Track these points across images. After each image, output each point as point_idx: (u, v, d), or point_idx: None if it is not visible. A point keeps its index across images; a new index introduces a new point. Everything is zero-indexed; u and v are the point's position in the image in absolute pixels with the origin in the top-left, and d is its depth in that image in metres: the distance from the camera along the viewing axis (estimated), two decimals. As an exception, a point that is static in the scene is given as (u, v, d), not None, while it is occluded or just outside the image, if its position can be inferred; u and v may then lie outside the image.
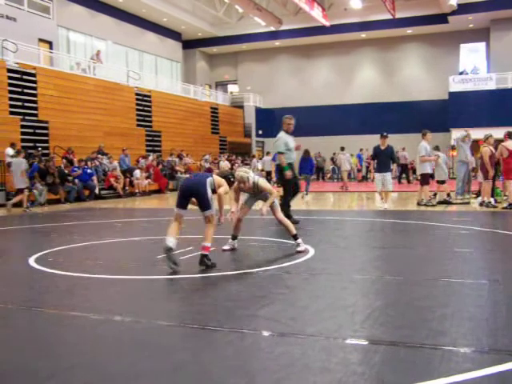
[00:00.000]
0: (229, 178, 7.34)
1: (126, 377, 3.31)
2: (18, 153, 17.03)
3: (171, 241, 6.52)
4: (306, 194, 19.67)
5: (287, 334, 4.00)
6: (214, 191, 6.87)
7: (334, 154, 35.60)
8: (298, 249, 7.57)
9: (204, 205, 6.73)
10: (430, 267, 6.68)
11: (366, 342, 3.82)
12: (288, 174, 10.68)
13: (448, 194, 16.08)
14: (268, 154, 31.08)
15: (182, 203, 6.92)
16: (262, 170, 34.20)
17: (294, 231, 7.70)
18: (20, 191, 16.66)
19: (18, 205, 16.28)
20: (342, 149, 26.61)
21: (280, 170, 10.88)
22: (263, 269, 6.50)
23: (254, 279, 6.08)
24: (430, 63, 37.62)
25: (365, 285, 5.76)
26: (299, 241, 7.65)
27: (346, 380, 3.16)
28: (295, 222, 10.88)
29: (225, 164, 27.55)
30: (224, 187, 6.99)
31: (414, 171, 32.34)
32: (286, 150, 10.71)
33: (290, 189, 11.07)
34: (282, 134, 10.90)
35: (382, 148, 14.32)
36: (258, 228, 10.91)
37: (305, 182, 19.96)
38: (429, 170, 15.20)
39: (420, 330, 4.07)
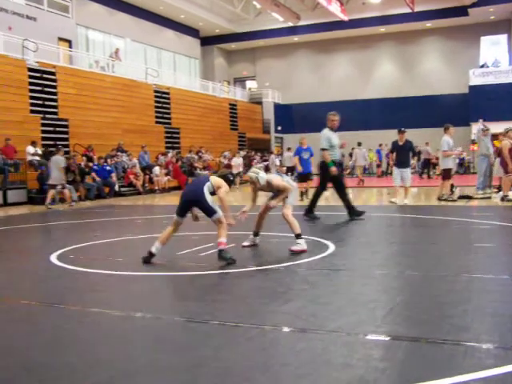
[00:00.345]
0: (228, 177, 7.09)
1: (147, 372, 3.33)
2: (57, 151, 17.72)
3: (156, 247, 6.74)
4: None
5: (308, 330, 3.99)
6: (214, 193, 6.79)
7: (353, 149, 35.48)
8: (293, 248, 7.21)
9: (207, 212, 6.70)
10: (451, 262, 6.64)
11: (388, 338, 3.79)
12: (333, 170, 10.66)
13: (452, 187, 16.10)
14: (289, 149, 31.04)
15: (182, 211, 6.94)
16: (282, 166, 34.19)
17: (298, 231, 7.31)
18: (52, 187, 17.03)
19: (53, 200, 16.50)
20: (359, 144, 26.63)
21: (324, 166, 10.83)
22: (284, 265, 6.50)
23: (275, 275, 6.08)
24: (449, 57, 37.26)
25: (386, 280, 5.73)
26: (300, 241, 7.26)
27: (368, 376, 3.14)
28: (315, 218, 10.87)
29: (239, 161, 27.49)
30: (223, 188, 6.84)
31: (435, 166, 32.09)
32: (329, 147, 10.70)
33: (324, 187, 11.12)
34: (325, 131, 10.93)
35: (401, 143, 14.24)
36: (278, 224, 10.89)
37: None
38: (451, 165, 15.07)
39: (442, 326, 4.04)
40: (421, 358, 3.43)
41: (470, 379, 3.08)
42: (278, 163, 33.40)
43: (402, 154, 14.23)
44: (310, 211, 11.01)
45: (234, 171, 24.08)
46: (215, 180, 6.89)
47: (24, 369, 3.46)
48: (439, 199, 14.79)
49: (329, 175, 10.80)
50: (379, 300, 4.89)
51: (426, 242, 8.25)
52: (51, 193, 16.98)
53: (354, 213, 10.90)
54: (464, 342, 3.65)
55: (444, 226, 10.11)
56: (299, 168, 16.57)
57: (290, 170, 31.12)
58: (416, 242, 8.35)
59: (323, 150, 10.74)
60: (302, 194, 16.13)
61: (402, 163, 14.20)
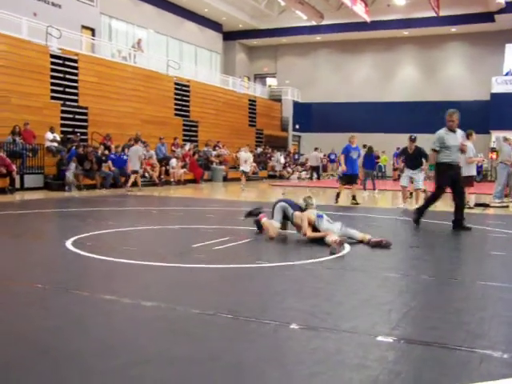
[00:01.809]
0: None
1: (160, 361, 3.31)
2: (136, 141, 20.45)
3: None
4: (368, 190, 20.42)
5: (323, 329, 3.96)
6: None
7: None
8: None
9: None
10: (467, 269, 6.59)
11: (403, 341, 3.76)
12: (431, 173, 10.35)
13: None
14: (316, 149, 31.08)
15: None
16: (303, 164, 34.15)
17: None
18: (134, 173, 19.53)
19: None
20: (364, 146, 26.81)
21: (439, 168, 10.08)
22: (300, 262, 6.48)
23: (291, 272, 6.05)
24: (472, 63, 36.96)
25: (401, 283, 5.68)
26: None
27: (383, 378, 3.11)
28: (418, 224, 10.20)
29: (246, 155, 23.51)
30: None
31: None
32: (441, 148, 9.97)
33: (440, 192, 10.19)
34: (440, 131, 10.22)
35: (410, 152, 14.08)
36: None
37: (362, 179, 20.50)
38: (474, 172, 14.85)
39: (458, 332, 4.00)
40: (436, 363, 3.39)
41: (484, 387, 3.04)
42: (282, 161, 33.39)
43: (412, 159, 14.11)
44: (419, 216, 10.27)
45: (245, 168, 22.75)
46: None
47: (36, 352, 3.46)
48: None
49: (448, 179, 9.99)
50: (394, 302, 4.85)
51: (441, 248, 8.18)
52: (132, 178, 19.47)
53: (459, 226, 10.01)
54: (480, 350, 3.61)
55: (460, 232, 10.02)
56: (343, 167, 15.49)
57: (315, 169, 31.25)
58: (432, 246, 8.29)
59: (432, 150, 10.15)
60: (339, 195, 15.51)
61: (412, 166, 14.09)
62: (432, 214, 13.14)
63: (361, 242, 7.81)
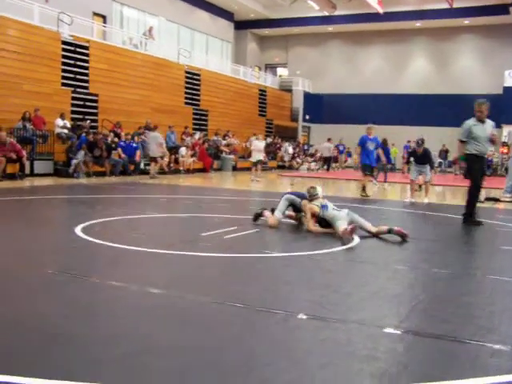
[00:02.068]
0: None
1: (168, 349, 3.32)
2: (155, 128, 20.81)
3: None
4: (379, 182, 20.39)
5: (332, 320, 3.95)
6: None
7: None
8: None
9: None
10: (476, 263, 6.56)
11: (412, 334, 3.74)
12: (462, 164, 10.11)
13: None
14: (329, 140, 30.96)
15: None
16: (312, 155, 34.09)
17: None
18: (154, 160, 20.13)
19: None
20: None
21: (469, 160, 9.72)
22: (309, 253, 6.47)
23: (300, 263, 6.04)
24: (485, 56, 36.68)
25: (410, 276, 5.66)
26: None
27: (391, 370, 3.10)
28: (479, 224, 9.68)
29: (261, 144, 21.57)
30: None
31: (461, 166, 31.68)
32: (468, 139, 9.63)
33: (478, 184, 9.81)
34: (468, 121, 9.86)
35: (418, 154, 13.94)
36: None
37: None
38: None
39: (467, 326, 3.97)
40: (445, 357, 3.37)
41: (495, 382, 3.02)
42: (290, 151, 33.25)
43: (420, 158, 13.98)
44: (470, 216, 9.76)
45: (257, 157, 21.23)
46: None
47: (45, 337, 3.46)
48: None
49: (478, 170, 9.72)
50: (403, 295, 4.83)
51: (451, 241, 8.15)
52: (153, 165, 20.08)
53: (469, 219, 9.72)
54: (490, 344, 3.58)
55: (470, 226, 9.96)
56: (355, 159, 15.33)
57: (327, 160, 31.18)
58: (442, 240, 8.25)
59: (459, 141, 9.84)
60: (364, 188, 15.15)
61: (421, 163, 13.97)
62: (444, 207, 13.11)
63: (373, 234, 7.75)
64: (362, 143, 15.34)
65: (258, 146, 21.21)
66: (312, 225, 7.92)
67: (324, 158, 31.38)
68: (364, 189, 15.06)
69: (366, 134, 15.44)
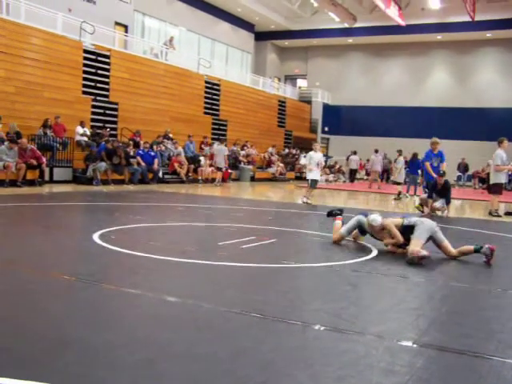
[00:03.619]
0: None
1: (185, 357, 3.28)
2: (222, 141, 23.90)
3: None
4: (410, 195, 20.90)
5: (350, 332, 3.89)
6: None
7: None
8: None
9: None
10: (497, 278, 6.46)
11: (432, 348, 3.67)
12: None
13: (399, 193, 18.88)
14: (355, 153, 31.04)
15: None
16: (331, 167, 34.00)
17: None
18: (219, 169, 22.87)
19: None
20: (376, 151, 26.95)
21: None
22: (327, 264, 6.42)
23: (319, 274, 5.99)
24: (507, 69, 36.40)
25: (430, 289, 5.58)
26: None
27: (411, 384, 3.04)
28: None
29: (318, 157, 16.01)
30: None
31: (482, 180, 31.47)
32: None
33: None
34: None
35: (439, 187, 13.37)
36: (321, 223, 10.79)
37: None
38: (502, 180, 14.51)
39: (489, 341, 3.90)
40: (466, 372, 3.31)
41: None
42: (303, 162, 33.19)
43: (440, 192, 13.50)
44: None
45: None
46: None
47: (62, 343, 3.45)
48: (490, 214, 14.30)
49: None
50: (422, 308, 4.76)
51: (471, 255, 8.03)
52: (219, 174, 22.85)
53: None
54: (512, 360, 3.51)
55: (489, 240, 9.84)
56: (434, 175, 13.99)
57: (353, 172, 31.27)
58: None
59: None
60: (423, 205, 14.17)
61: (439, 195, 13.60)
62: (463, 220, 12.97)
63: (453, 257, 7.33)
64: (428, 159, 14.58)
65: (315, 158, 15.91)
66: (400, 236, 7.30)
67: (351, 170, 31.55)
68: (422, 206, 14.24)
69: (430, 148, 14.66)
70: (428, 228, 7.19)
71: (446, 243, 7.36)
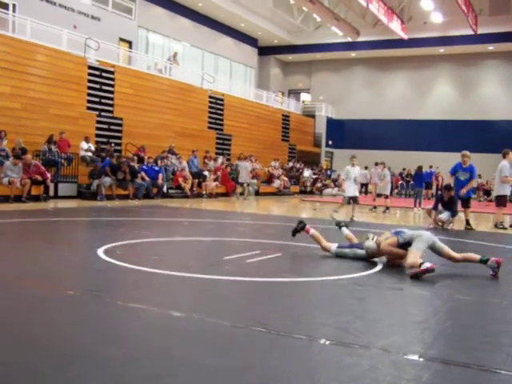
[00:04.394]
0: None
1: (192, 371, 3.28)
2: (245, 158, 25.63)
3: None
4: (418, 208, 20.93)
5: (356, 346, 3.88)
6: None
7: (404, 169, 35.05)
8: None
9: None
10: (502, 290, 6.42)
11: (438, 362, 3.65)
12: None
13: (387, 208, 18.92)
14: (366, 168, 31.05)
15: None
16: (335, 180, 34.05)
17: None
18: (242, 185, 24.11)
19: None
20: (376, 164, 27.02)
21: None
22: (332, 278, 6.40)
23: (324, 288, 5.98)
24: (510, 82, 36.48)
25: (435, 302, 5.56)
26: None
27: (418, 398, 3.02)
28: None
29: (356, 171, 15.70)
30: None
31: (487, 193, 31.45)
32: None
33: None
34: None
35: (446, 200, 13.36)
36: (331, 237, 10.76)
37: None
38: (507, 192, 14.49)
39: (496, 354, 3.87)
40: (473, 386, 3.29)
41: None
42: (307, 175, 33.29)
43: (446, 205, 13.46)
44: None
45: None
46: None
47: (68, 357, 3.44)
48: (496, 226, 14.26)
49: None
50: (428, 322, 4.73)
51: (475, 268, 8.00)
52: (239, 188, 24.28)
53: None
54: (520, 374, 3.49)
55: (495, 253, 9.80)
56: (464, 190, 13.82)
57: (363, 186, 31.26)
58: (466, 266, 8.11)
59: None
60: (468, 220, 13.96)
61: (445, 207, 13.59)
62: (468, 233, 12.94)
63: (455, 261, 7.32)
64: (452, 172, 14.15)
65: (354, 172, 15.40)
66: (402, 253, 7.17)
67: (361, 184, 31.59)
68: (468, 221, 13.97)
69: (460, 161, 14.11)
70: (426, 240, 7.13)
71: (447, 249, 7.31)
